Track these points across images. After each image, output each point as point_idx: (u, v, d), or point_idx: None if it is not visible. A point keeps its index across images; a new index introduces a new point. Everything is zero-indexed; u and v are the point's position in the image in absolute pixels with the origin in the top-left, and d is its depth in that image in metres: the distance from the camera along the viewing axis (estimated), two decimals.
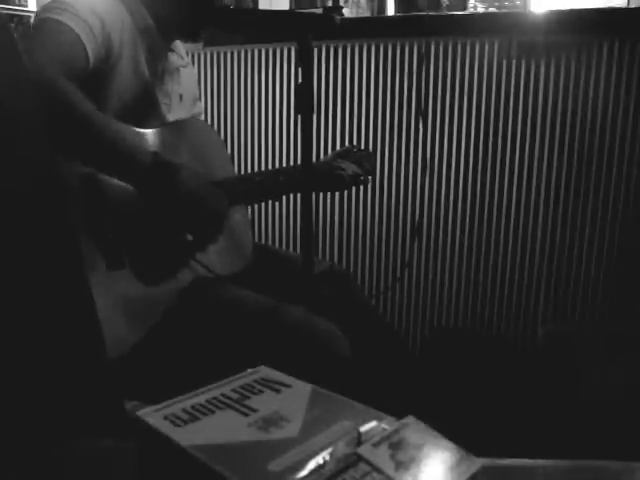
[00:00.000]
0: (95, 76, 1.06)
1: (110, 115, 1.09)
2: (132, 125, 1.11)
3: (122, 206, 1.06)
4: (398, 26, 2.00)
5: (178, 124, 1.23)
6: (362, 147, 1.73)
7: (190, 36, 1.28)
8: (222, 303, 1.13)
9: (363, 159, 1.49)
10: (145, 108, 1.18)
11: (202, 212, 1.09)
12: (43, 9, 1.03)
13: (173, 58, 1.27)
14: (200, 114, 1.43)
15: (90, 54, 1.02)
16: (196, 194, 1.07)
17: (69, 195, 1.00)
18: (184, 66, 1.32)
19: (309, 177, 1.11)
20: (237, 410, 0.37)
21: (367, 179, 1.51)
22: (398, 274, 2.06)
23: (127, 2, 1.14)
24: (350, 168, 1.42)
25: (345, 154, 1.47)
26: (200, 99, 1.51)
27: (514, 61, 1.87)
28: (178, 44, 1.32)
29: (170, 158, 1.08)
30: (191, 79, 1.39)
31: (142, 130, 1.12)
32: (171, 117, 1.24)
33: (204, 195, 1.08)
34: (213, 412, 0.37)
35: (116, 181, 1.05)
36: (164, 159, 1.06)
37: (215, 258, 1.20)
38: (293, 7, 2.24)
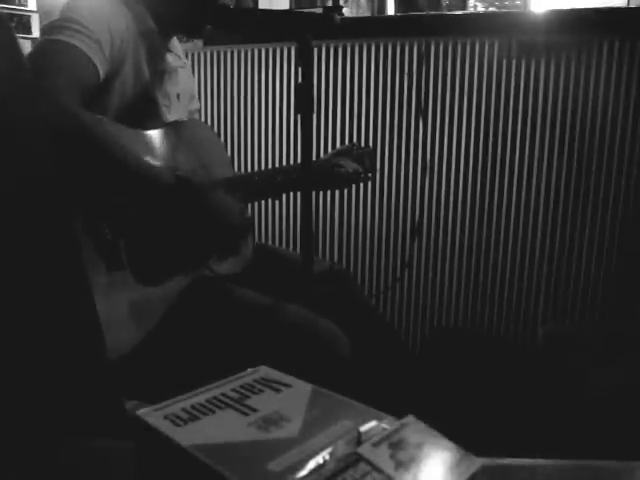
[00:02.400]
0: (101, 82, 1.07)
1: (112, 117, 1.09)
2: (134, 127, 1.11)
3: (121, 207, 1.06)
4: (398, 26, 2.00)
5: (177, 124, 1.23)
6: (362, 145, 1.72)
7: (192, 33, 1.28)
8: (222, 302, 1.13)
9: (364, 156, 1.49)
10: (145, 109, 1.18)
11: (228, 227, 1.13)
12: (51, 28, 1.01)
13: (171, 59, 1.28)
14: (198, 110, 1.44)
15: (101, 72, 1.04)
16: (222, 209, 1.11)
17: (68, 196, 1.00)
18: (182, 66, 1.33)
19: (309, 176, 1.11)
20: (237, 410, 0.37)
21: (368, 176, 1.51)
22: (398, 274, 2.06)
23: (130, 6, 1.14)
24: (350, 166, 1.42)
25: (345, 152, 1.47)
26: (199, 98, 1.51)
27: (514, 61, 1.87)
28: (176, 44, 1.32)
29: (171, 159, 1.09)
30: (188, 78, 1.40)
31: (143, 132, 1.13)
32: (171, 117, 1.25)
33: (229, 210, 1.13)
34: (213, 412, 0.37)
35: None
36: (186, 177, 1.08)
37: (215, 258, 1.20)
38: (293, 7, 2.24)
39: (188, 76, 1.40)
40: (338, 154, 1.46)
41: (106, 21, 1.05)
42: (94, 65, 1.01)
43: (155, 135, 1.15)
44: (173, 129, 1.20)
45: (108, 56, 1.04)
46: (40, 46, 1.01)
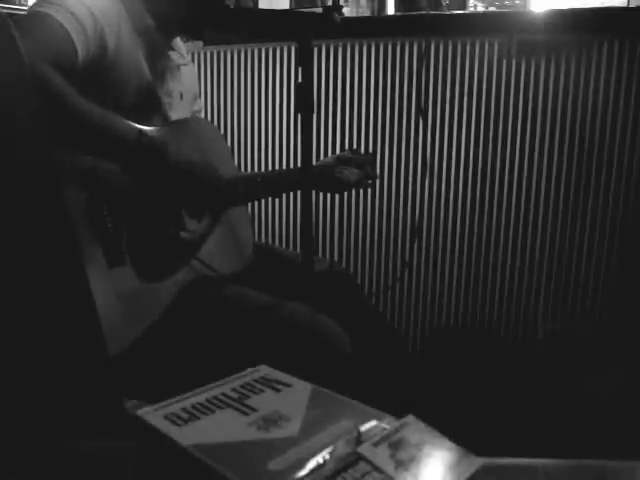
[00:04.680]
0: (95, 77, 1.06)
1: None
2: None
3: (122, 203, 1.06)
4: (398, 26, 2.00)
5: (181, 122, 1.23)
6: (363, 150, 1.72)
7: (194, 35, 1.27)
8: (222, 300, 1.13)
9: (366, 163, 1.49)
10: (147, 107, 1.18)
11: (194, 180, 1.14)
12: (36, 3, 1.04)
13: (174, 56, 1.27)
14: (200, 111, 1.44)
15: (79, 49, 1.02)
16: (185, 163, 1.11)
17: (69, 192, 1.00)
18: (185, 64, 1.32)
19: (308, 180, 1.11)
20: (237, 409, 0.37)
21: (369, 183, 1.50)
22: (398, 274, 2.06)
23: (127, 3, 1.14)
24: (353, 174, 1.42)
25: (347, 159, 1.46)
26: (200, 97, 1.51)
27: (514, 61, 1.87)
28: (178, 42, 1.32)
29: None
30: (191, 77, 1.39)
31: (146, 128, 1.13)
32: (173, 115, 1.24)
33: (193, 164, 1.13)
34: (213, 411, 0.37)
35: (116, 177, 1.05)
36: (149, 134, 1.07)
37: (216, 257, 1.20)
38: (293, 6, 2.24)
39: (192, 75, 1.40)
40: (340, 161, 1.45)
41: (92, 10, 1.05)
42: (70, 38, 1.00)
43: (159, 132, 1.14)
44: (177, 127, 1.20)
45: (91, 41, 1.03)
46: (22, 17, 1.03)
